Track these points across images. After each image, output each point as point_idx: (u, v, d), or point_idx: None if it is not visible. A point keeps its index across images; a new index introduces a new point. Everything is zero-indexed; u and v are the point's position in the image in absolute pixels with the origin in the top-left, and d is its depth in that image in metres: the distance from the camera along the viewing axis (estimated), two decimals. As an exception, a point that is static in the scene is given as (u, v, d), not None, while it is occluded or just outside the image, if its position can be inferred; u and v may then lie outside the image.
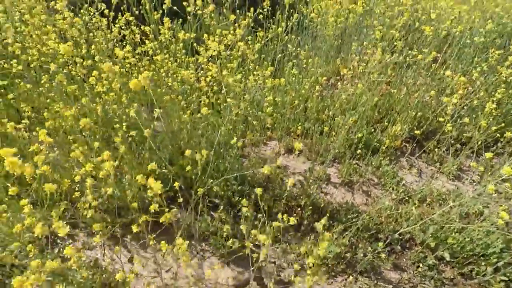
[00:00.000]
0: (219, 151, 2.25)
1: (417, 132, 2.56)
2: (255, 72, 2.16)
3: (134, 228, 1.39)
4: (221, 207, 2.01)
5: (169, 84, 2.01)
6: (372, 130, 2.68)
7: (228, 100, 1.72)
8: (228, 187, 2.14)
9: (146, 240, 1.91)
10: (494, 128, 2.53)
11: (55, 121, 1.58)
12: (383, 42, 3.11)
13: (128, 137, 1.87)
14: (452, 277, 1.89)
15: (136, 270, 1.80)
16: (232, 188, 2.13)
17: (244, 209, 2.02)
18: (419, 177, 2.53)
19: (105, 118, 1.76)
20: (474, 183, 2.50)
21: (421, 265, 1.90)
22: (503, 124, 2.63)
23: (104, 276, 1.59)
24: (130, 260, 1.89)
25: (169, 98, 1.90)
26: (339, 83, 3.34)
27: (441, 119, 2.59)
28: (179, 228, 1.94)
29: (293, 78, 3.03)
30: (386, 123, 2.74)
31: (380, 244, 1.81)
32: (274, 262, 1.91)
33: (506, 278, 1.81)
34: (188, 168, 1.71)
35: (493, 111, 2.46)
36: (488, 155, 2.05)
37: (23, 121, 1.62)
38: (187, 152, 1.55)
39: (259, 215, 1.62)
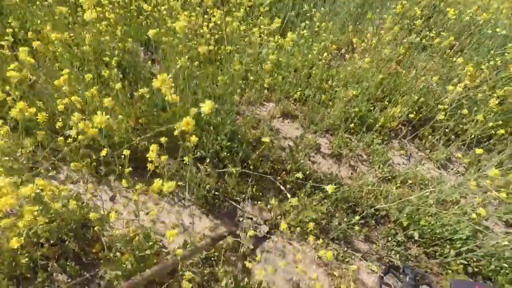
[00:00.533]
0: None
1: (414, 116, 2.54)
2: (262, 26, 2.04)
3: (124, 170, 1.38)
4: (208, 160, 2.02)
5: (168, 25, 1.90)
6: (372, 107, 2.64)
7: (228, 48, 1.64)
8: (218, 141, 2.14)
9: (131, 182, 1.94)
10: (490, 124, 2.52)
11: (43, 43, 1.49)
12: (404, 19, 2.96)
13: (122, 74, 1.81)
14: (416, 254, 2.00)
15: (116, 208, 1.85)
16: (222, 143, 2.13)
17: (230, 166, 2.04)
18: (407, 160, 2.55)
19: (96, 49, 1.68)
20: (458, 174, 2.55)
21: (390, 239, 1.99)
22: (500, 122, 2.62)
23: (84, 210, 1.62)
24: (112, 199, 1.93)
25: (168, 40, 1.80)
26: (347, 55, 3.22)
27: (440, 107, 2.56)
28: (164, 175, 1.97)
29: (303, 41, 2.90)
30: (387, 103, 2.70)
31: (357, 217, 1.88)
32: (251, 219, 1.97)
33: (465, 262, 1.92)
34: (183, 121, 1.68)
35: (494, 107, 2.43)
36: (478, 151, 2.07)
37: (6, 38, 1.52)
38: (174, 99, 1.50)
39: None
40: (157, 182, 1.11)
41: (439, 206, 2.18)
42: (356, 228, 1.94)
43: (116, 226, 1.74)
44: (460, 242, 1.96)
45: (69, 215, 1.44)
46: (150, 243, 1.53)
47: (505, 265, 2.00)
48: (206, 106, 0.99)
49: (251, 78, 2.48)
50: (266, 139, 1.66)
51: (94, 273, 1.50)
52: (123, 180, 1.44)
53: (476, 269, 2.00)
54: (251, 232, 1.71)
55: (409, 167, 2.44)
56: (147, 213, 1.89)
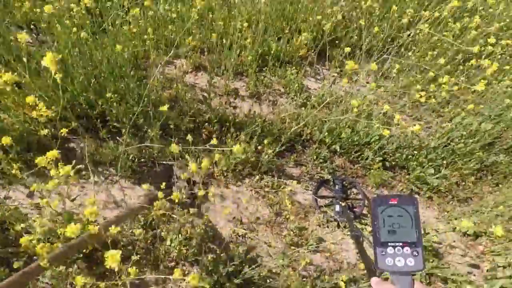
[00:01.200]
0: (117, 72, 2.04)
1: (319, 39, 2.61)
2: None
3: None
4: (124, 130, 1.90)
5: None
6: (277, 40, 2.65)
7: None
8: (129, 110, 2.01)
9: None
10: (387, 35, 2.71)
11: None
12: None
13: None
14: (342, 164, 2.20)
15: (32, 202, 1.70)
16: (133, 110, 2.01)
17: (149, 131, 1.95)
18: (322, 83, 2.68)
19: None
20: (368, 84, 2.75)
21: (316, 158, 2.15)
22: (395, 32, 2.81)
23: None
24: (30, 196, 1.77)
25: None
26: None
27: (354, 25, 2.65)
28: (83, 156, 1.83)
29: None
30: (290, 34, 2.72)
31: (279, 148, 1.97)
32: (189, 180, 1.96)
33: (381, 158, 2.17)
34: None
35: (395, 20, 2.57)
36: (373, 66, 2.22)
37: None
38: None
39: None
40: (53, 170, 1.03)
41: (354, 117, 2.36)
42: (285, 159, 2.04)
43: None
44: (375, 143, 2.19)
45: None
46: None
47: (415, 151, 2.30)
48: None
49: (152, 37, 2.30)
50: (164, 108, 1.57)
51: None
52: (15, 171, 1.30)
53: (393, 163, 2.27)
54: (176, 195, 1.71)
55: (323, 89, 2.57)
56: (72, 200, 1.78)
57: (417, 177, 2.19)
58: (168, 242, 1.66)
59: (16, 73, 1.17)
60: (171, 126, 2.07)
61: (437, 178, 2.15)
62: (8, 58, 1.78)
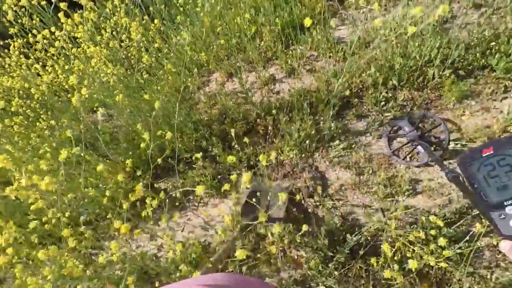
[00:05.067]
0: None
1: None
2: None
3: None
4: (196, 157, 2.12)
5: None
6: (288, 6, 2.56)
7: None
8: (190, 138, 2.23)
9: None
10: None
11: None
12: None
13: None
14: (408, 96, 1.99)
15: (156, 243, 2.03)
16: (192, 137, 2.22)
17: (215, 150, 2.12)
18: (354, 26, 2.47)
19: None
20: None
21: (377, 102, 1.99)
22: None
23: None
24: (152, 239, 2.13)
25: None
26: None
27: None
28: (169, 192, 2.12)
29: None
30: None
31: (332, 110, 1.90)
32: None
33: (451, 70, 1.88)
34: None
35: None
36: None
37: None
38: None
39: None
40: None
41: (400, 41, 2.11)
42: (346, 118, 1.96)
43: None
44: (432, 53, 1.91)
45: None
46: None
47: (492, 43, 1.94)
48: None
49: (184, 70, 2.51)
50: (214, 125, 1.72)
51: None
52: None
53: (469, 67, 1.95)
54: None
55: (357, 31, 2.37)
56: (182, 230, 2.07)
57: (507, 69, 1.83)
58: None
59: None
60: (230, 136, 2.22)
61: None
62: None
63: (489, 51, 1.91)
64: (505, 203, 0.47)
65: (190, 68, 2.70)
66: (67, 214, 1.57)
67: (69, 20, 2.12)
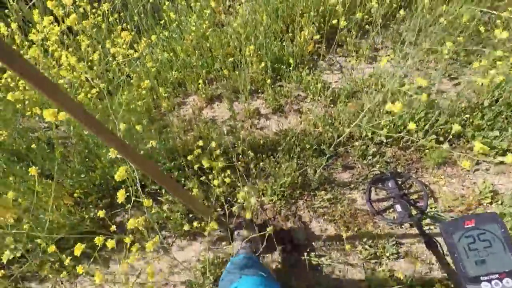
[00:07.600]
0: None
1: (323, 28, 2.43)
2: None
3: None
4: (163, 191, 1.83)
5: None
6: (280, 42, 2.51)
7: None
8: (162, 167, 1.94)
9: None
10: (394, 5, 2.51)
11: None
12: None
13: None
14: (393, 154, 2.01)
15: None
16: (165, 167, 1.94)
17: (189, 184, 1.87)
18: (341, 73, 2.50)
19: None
20: (391, 59, 2.53)
21: (364, 155, 1.98)
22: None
23: None
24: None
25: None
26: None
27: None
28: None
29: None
30: (291, 33, 2.56)
31: (323, 159, 1.82)
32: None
33: (435, 136, 1.96)
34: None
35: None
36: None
37: None
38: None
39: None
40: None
41: (391, 97, 2.17)
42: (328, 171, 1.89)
43: None
44: (421, 120, 1.99)
45: None
46: None
47: (466, 116, 2.07)
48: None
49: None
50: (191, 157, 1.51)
51: None
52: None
53: (445, 135, 2.05)
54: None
55: (345, 79, 2.39)
56: (138, 276, 1.73)
57: (483, 148, 1.96)
58: None
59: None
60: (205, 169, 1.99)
61: (501, 140, 1.92)
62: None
63: (464, 122, 2.05)
64: (481, 278, 0.46)
65: (165, 85, 2.43)
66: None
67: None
